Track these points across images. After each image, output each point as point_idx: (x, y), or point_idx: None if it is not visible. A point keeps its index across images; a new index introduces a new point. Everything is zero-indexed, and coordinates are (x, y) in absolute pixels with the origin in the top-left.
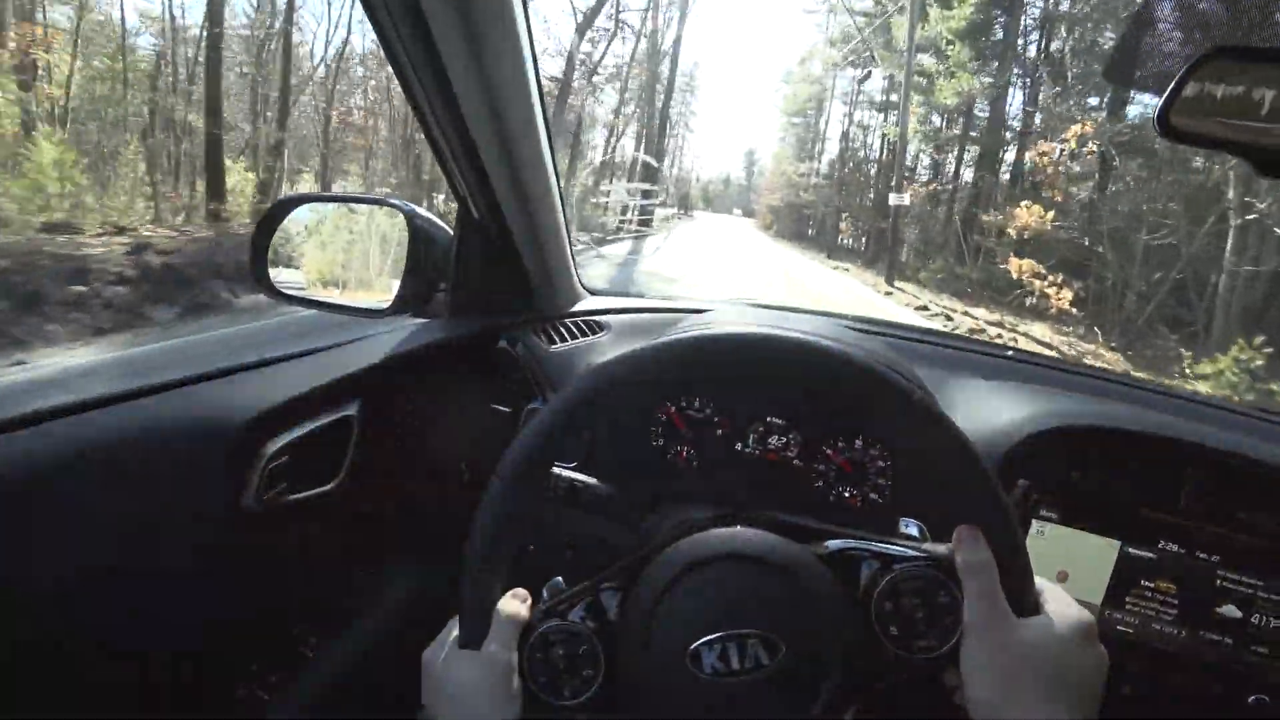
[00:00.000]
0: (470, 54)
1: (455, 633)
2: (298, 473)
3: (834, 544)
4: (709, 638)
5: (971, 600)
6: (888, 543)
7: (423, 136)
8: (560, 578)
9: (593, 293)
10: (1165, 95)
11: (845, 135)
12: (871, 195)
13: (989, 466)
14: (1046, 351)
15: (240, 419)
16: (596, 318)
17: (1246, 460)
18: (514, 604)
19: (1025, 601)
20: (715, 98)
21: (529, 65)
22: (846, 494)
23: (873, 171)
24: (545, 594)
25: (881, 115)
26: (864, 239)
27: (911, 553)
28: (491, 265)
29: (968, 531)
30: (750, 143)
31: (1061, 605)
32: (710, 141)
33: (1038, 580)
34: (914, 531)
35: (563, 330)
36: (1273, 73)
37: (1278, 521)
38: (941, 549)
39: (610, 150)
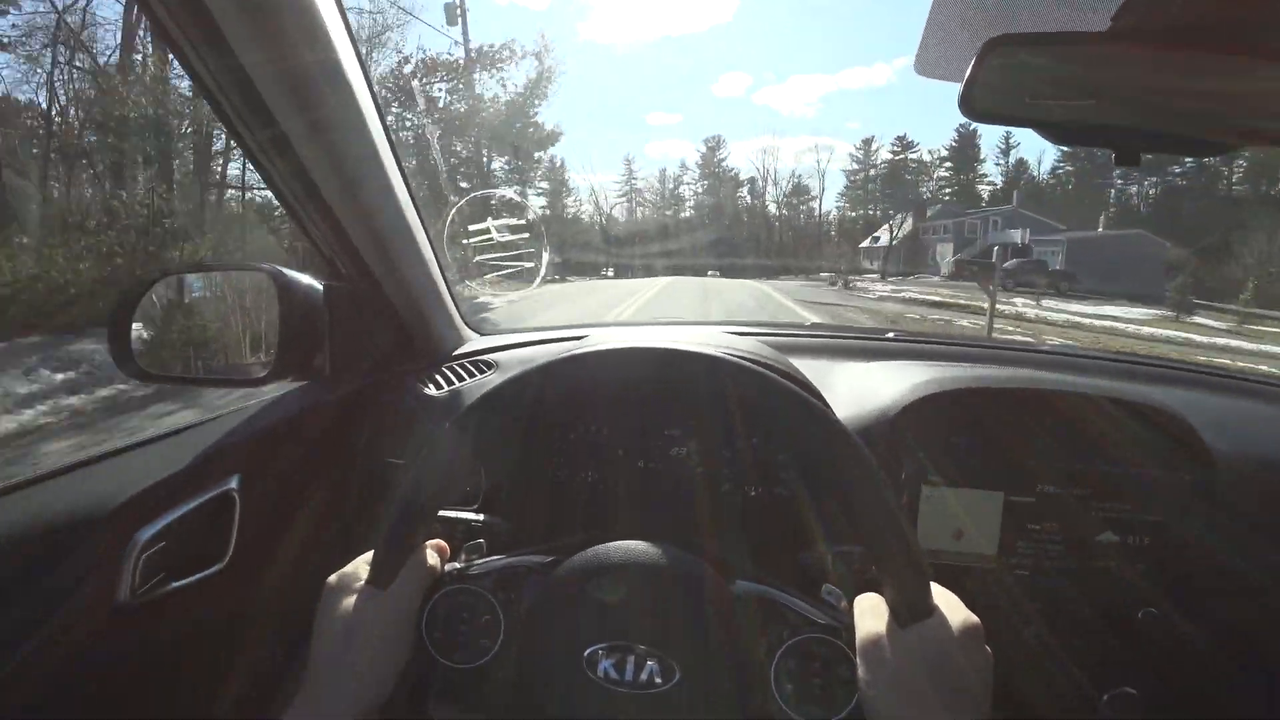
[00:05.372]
0: (309, 119)
1: (364, 568)
2: (178, 559)
3: (751, 587)
4: (608, 643)
5: (862, 666)
6: (804, 602)
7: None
8: (483, 540)
9: (483, 333)
10: (964, 82)
11: None
12: None
13: (878, 472)
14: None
15: (106, 509)
16: (485, 357)
17: (1098, 398)
18: (431, 555)
19: (920, 606)
20: None
21: (373, 115)
22: (753, 492)
23: None
24: (463, 553)
25: None
26: None
27: (822, 621)
28: (367, 319)
29: (867, 603)
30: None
31: (951, 609)
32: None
33: (935, 588)
34: (832, 600)
35: (449, 374)
36: (1045, 54)
37: (1132, 449)
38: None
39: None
